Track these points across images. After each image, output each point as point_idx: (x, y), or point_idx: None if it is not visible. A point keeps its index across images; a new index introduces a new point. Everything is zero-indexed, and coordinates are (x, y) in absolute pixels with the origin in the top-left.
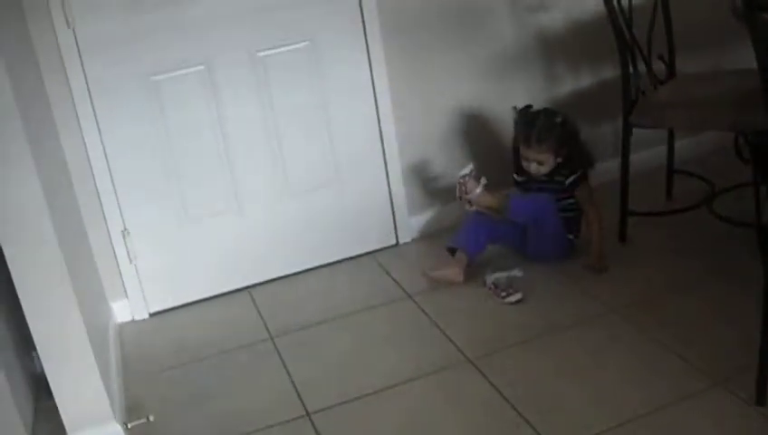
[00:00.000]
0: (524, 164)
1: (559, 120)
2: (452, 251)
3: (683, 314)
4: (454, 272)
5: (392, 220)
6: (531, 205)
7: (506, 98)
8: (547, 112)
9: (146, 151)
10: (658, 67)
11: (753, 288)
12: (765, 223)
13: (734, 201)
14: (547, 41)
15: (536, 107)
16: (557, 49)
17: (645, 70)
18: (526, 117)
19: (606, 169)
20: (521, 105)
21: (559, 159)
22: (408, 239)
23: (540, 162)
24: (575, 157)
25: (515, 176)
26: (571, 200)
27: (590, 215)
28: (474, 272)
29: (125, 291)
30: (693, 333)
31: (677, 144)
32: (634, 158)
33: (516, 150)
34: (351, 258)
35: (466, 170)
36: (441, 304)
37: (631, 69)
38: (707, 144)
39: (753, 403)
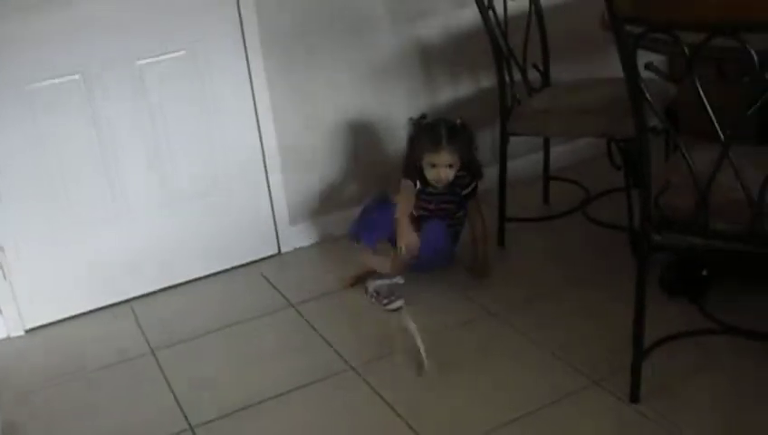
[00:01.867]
0: (432, 173)
1: (459, 121)
2: (357, 240)
3: (559, 316)
4: (381, 261)
5: (274, 229)
6: (431, 243)
7: (387, 106)
8: (445, 119)
9: (20, 163)
10: (534, 75)
11: (626, 290)
12: (636, 226)
13: (608, 205)
14: (426, 50)
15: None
16: (436, 58)
17: (521, 78)
18: (428, 124)
19: (485, 175)
20: (408, 115)
21: (458, 166)
22: (291, 248)
23: (451, 165)
24: (472, 163)
25: (420, 187)
26: (461, 213)
27: (477, 223)
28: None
29: None
30: (569, 335)
31: (553, 151)
32: (512, 164)
33: (413, 165)
34: (234, 268)
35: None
36: (324, 312)
37: (507, 77)
38: (582, 150)
39: (627, 401)
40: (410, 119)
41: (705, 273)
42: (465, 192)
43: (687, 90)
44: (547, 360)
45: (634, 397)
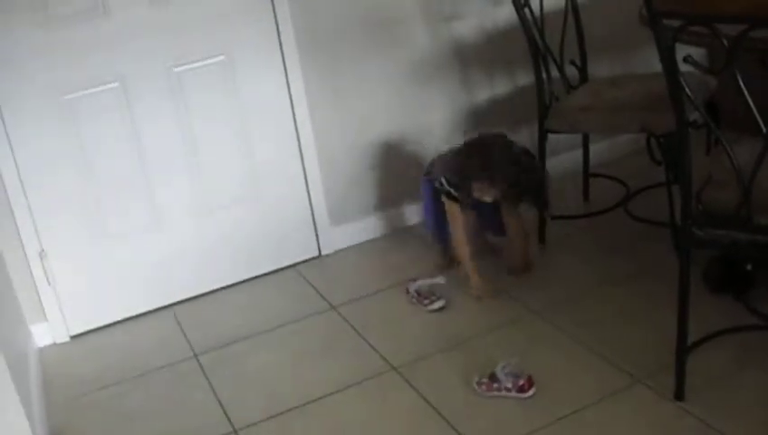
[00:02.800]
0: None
1: (516, 152)
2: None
3: (602, 314)
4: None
5: (314, 232)
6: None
7: (424, 107)
8: (504, 145)
9: (61, 169)
10: (571, 72)
11: (669, 287)
12: (678, 222)
13: (649, 201)
14: (462, 49)
15: (480, 131)
16: (472, 57)
17: (558, 75)
18: (480, 149)
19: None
20: (445, 114)
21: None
22: (331, 250)
23: (485, 198)
24: (530, 191)
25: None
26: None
27: (512, 223)
28: (398, 279)
29: (44, 314)
30: (613, 333)
31: (593, 147)
32: (551, 161)
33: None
34: (275, 271)
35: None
36: (365, 313)
37: (544, 75)
38: (621, 146)
39: (672, 398)
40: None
41: (749, 268)
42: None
43: (728, 83)
44: (591, 359)
45: (679, 394)
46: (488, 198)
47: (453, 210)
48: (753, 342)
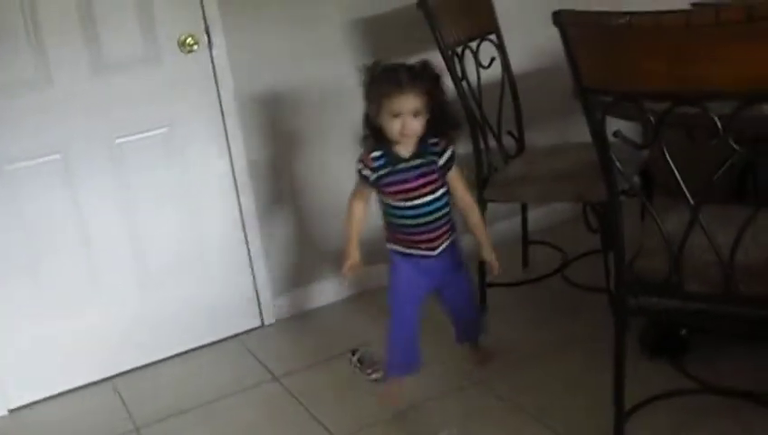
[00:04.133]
0: (395, 126)
1: (421, 61)
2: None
3: (541, 380)
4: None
5: (256, 302)
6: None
7: None
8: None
9: (0, 240)
10: (509, 142)
11: (607, 351)
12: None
13: (587, 268)
14: None
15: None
16: None
17: (496, 146)
18: (385, 67)
19: (464, 241)
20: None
21: (427, 116)
22: (273, 320)
23: (416, 113)
24: (444, 113)
25: (375, 157)
26: (446, 197)
27: (467, 201)
28: (341, 348)
29: None
30: (552, 399)
31: (531, 214)
32: (491, 229)
33: (372, 126)
34: (216, 342)
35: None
36: (308, 384)
37: (482, 145)
38: (559, 214)
39: None
40: (363, 65)
41: (683, 333)
42: (441, 162)
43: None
44: (530, 425)
45: None
46: (417, 117)
47: (358, 189)
48: (689, 405)
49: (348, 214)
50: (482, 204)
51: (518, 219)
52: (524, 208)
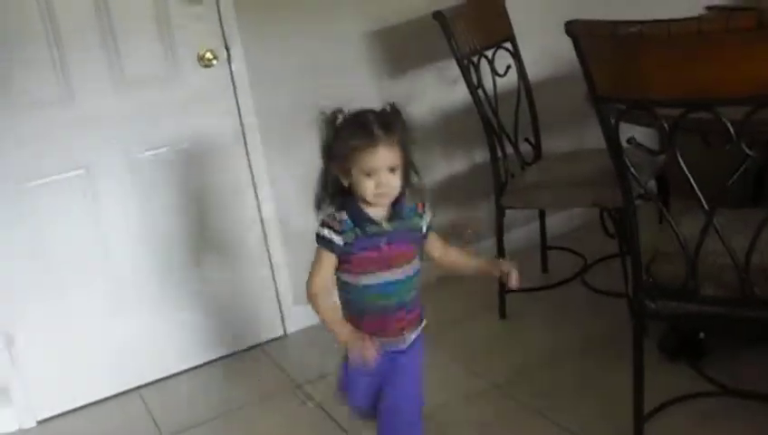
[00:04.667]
0: (369, 187)
1: (390, 104)
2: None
3: (562, 384)
4: None
5: (279, 311)
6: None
7: None
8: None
9: (25, 255)
10: (526, 149)
11: (626, 355)
12: (631, 293)
13: (606, 272)
14: (420, 130)
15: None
16: (429, 138)
17: (513, 153)
18: (349, 116)
19: (483, 248)
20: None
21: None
22: (296, 329)
23: (393, 168)
24: (412, 162)
25: (342, 220)
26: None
27: (452, 251)
28: None
29: (10, 398)
30: (572, 404)
31: (550, 220)
32: (510, 235)
33: (334, 187)
34: (241, 351)
35: None
36: (330, 391)
37: (500, 153)
38: (578, 219)
39: None
40: (321, 113)
41: (701, 336)
42: (424, 226)
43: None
44: (548, 429)
45: None
46: (393, 172)
47: (320, 264)
48: (708, 408)
49: (315, 304)
50: (499, 211)
51: (536, 225)
52: (542, 214)
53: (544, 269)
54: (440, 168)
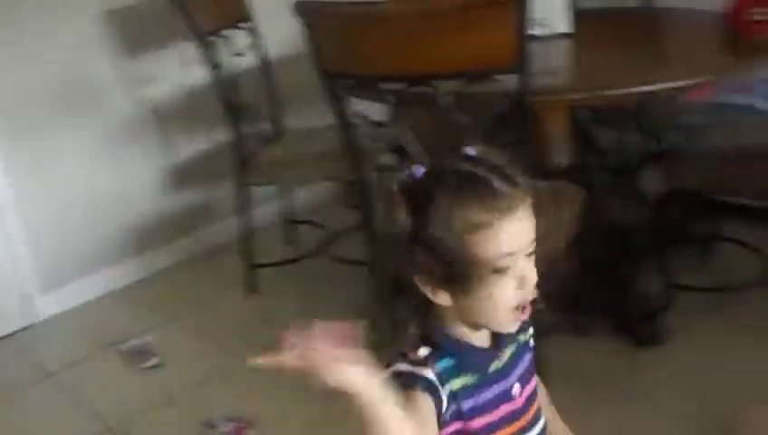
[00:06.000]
0: (505, 296)
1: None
2: None
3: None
4: None
5: (27, 299)
6: None
7: (126, 167)
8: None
9: None
10: (268, 126)
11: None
12: (368, 260)
13: (351, 243)
14: (160, 110)
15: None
16: (170, 118)
17: (256, 130)
18: (449, 171)
19: (227, 226)
20: (147, 171)
21: None
22: (46, 316)
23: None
24: None
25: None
26: None
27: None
28: (112, 340)
29: None
30: None
31: (299, 196)
32: (256, 212)
33: (420, 306)
34: None
35: None
36: (83, 378)
37: (241, 130)
38: (323, 193)
39: None
40: (397, 183)
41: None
42: (531, 341)
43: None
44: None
45: None
46: (531, 274)
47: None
48: None
49: None
50: (241, 188)
51: (282, 201)
52: (287, 189)
53: (290, 243)
54: (184, 148)
